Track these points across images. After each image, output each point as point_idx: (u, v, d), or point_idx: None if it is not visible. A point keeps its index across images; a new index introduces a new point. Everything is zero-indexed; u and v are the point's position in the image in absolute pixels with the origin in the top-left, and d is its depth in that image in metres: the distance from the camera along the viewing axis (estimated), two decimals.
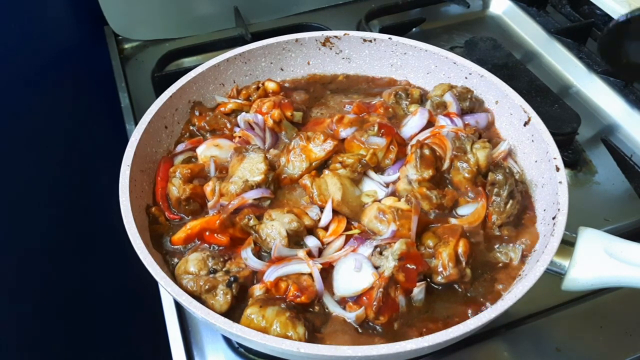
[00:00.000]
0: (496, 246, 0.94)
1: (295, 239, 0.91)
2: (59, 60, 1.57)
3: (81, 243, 1.71)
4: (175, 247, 0.94)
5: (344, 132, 1.06)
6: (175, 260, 0.91)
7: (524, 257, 0.92)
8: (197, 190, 0.98)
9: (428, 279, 0.88)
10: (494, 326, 0.98)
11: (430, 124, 1.10)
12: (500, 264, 0.92)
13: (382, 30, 1.55)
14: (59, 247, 1.66)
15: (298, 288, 0.85)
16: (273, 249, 0.88)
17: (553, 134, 0.99)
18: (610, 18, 1.48)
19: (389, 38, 1.19)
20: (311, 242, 0.91)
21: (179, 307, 1.00)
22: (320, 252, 0.91)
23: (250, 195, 0.96)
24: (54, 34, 1.57)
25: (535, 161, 1.01)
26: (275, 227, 0.89)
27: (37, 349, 1.62)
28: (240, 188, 0.96)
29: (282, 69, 1.23)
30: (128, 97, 1.42)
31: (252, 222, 0.92)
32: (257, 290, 0.86)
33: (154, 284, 0.87)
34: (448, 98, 1.12)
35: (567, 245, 0.85)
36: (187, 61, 1.58)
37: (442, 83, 1.17)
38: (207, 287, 0.84)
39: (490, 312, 0.76)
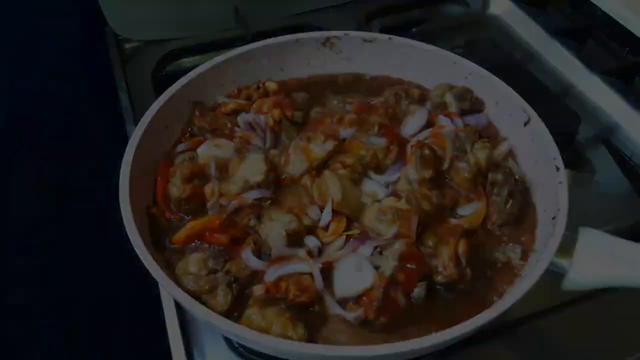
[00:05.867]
0: (496, 246, 0.94)
1: (295, 239, 0.90)
2: (58, 60, 1.57)
3: (80, 243, 1.71)
4: (176, 247, 0.94)
5: (344, 132, 1.05)
6: (176, 260, 0.91)
7: (524, 257, 0.92)
8: (197, 190, 0.98)
9: (428, 279, 0.88)
10: (494, 326, 0.98)
11: (430, 124, 1.10)
12: (500, 264, 0.92)
13: (382, 30, 1.54)
14: (58, 247, 1.66)
15: (298, 288, 0.84)
16: (273, 249, 0.88)
17: (553, 134, 0.99)
18: (610, 18, 1.48)
19: (389, 38, 1.19)
20: (311, 242, 0.91)
21: (179, 307, 1.00)
22: (321, 252, 0.91)
23: (250, 195, 0.96)
24: (53, 34, 1.56)
25: (535, 161, 1.01)
26: (275, 227, 0.89)
27: (35, 349, 1.62)
28: (241, 188, 0.96)
29: (282, 69, 1.23)
30: (128, 97, 1.41)
31: (252, 222, 0.92)
32: (258, 290, 0.86)
33: (154, 284, 0.87)
34: (448, 98, 1.12)
35: (567, 245, 0.85)
36: (187, 61, 1.57)
37: (442, 83, 1.16)
38: (207, 287, 0.84)
39: (490, 312, 0.77)
